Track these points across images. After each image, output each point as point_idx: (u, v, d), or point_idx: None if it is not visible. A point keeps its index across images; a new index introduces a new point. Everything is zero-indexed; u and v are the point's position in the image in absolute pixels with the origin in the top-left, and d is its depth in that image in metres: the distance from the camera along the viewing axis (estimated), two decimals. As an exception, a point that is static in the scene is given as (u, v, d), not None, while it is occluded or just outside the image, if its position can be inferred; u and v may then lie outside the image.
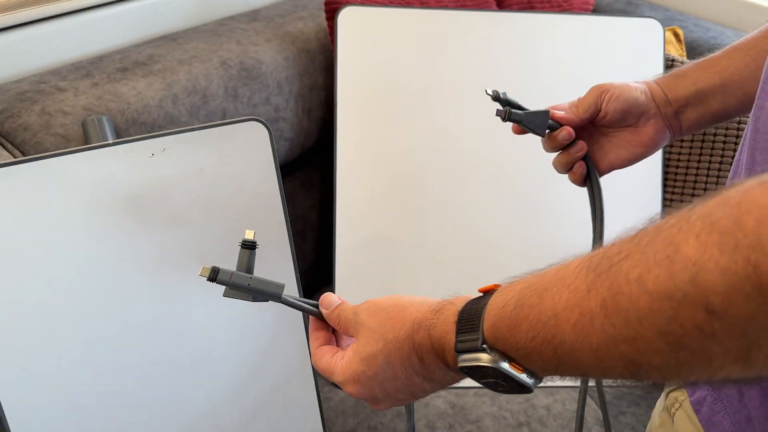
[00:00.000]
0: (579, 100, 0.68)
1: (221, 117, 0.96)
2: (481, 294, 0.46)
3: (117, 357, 0.72)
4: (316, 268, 1.15)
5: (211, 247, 0.73)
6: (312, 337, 0.56)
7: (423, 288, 1.05)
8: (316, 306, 0.56)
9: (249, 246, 0.55)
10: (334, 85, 1.02)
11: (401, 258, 1.05)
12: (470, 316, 0.43)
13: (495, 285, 0.45)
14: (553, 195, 1.06)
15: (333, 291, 1.03)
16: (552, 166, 0.70)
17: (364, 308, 0.52)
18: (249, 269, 0.54)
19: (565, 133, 0.65)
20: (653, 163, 1.10)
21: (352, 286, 1.04)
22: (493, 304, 0.42)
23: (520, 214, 1.06)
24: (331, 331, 0.56)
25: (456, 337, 0.44)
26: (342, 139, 1.02)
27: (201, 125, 0.72)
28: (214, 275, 0.53)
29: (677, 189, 1.11)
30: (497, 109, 0.65)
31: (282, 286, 0.54)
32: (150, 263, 0.71)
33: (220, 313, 0.75)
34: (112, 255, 0.70)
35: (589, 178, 0.68)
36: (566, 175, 0.69)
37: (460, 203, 1.06)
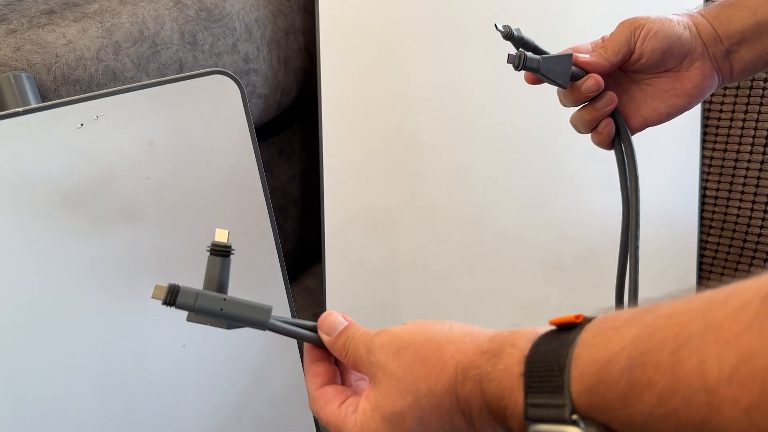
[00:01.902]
0: (606, 39, 0.57)
1: (177, 70, 0.78)
2: (555, 328, 0.34)
3: (49, 395, 0.55)
4: (300, 249, 1.03)
5: (169, 248, 0.56)
6: (309, 373, 0.44)
7: (429, 266, 0.92)
8: (314, 330, 0.44)
9: (221, 252, 0.41)
10: (315, 28, 0.88)
11: (401, 234, 0.93)
12: (546, 368, 0.32)
13: (577, 316, 0.33)
14: (575, 156, 0.93)
15: (323, 275, 0.88)
16: (570, 125, 0.60)
17: (380, 343, 0.39)
18: (221, 285, 0.41)
19: (592, 82, 0.55)
20: (691, 115, 0.96)
21: (344, 269, 0.91)
22: (587, 355, 0.31)
23: (536, 179, 0.94)
24: (334, 361, 0.45)
25: (526, 398, 0.32)
26: (327, 95, 0.89)
27: (146, 83, 0.54)
28: (172, 297, 0.39)
29: (719, 146, 0.96)
30: (509, 55, 0.55)
31: (268, 310, 0.41)
32: (88, 272, 0.54)
33: (187, 332, 0.59)
34: (36, 262, 0.53)
35: (618, 138, 0.58)
36: (588, 136, 0.59)
37: (466, 167, 0.93)
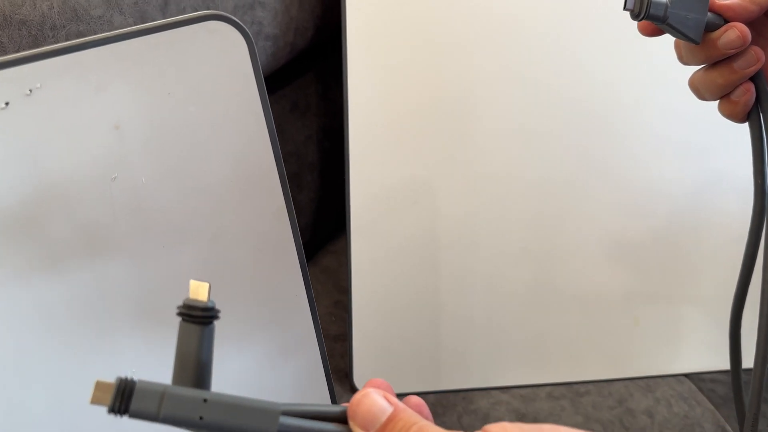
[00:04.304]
0: None
1: (162, 7, 0.59)
2: None
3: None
4: (316, 223, 0.90)
5: (149, 278, 0.39)
6: None
7: (477, 250, 0.77)
8: (344, 419, 0.30)
9: (200, 317, 0.27)
10: (339, -52, 0.71)
11: (443, 210, 0.77)
12: None
13: None
14: (655, 113, 0.76)
15: (347, 257, 0.75)
16: (690, 89, 0.48)
17: None
18: (201, 370, 0.27)
19: (735, 34, 0.44)
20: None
21: (373, 253, 0.76)
22: None
23: (609, 142, 0.77)
24: None
25: None
26: (354, 34, 0.72)
27: (105, 36, 0.36)
28: (123, 401, 0.25)
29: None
30: None
31: (275, 415, 0.27)
32: (40, 319, 0.37)
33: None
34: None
35: (759, 108, 0.47)
36: (714, 103, 0.47)
37: (524, 131, 0.76)
